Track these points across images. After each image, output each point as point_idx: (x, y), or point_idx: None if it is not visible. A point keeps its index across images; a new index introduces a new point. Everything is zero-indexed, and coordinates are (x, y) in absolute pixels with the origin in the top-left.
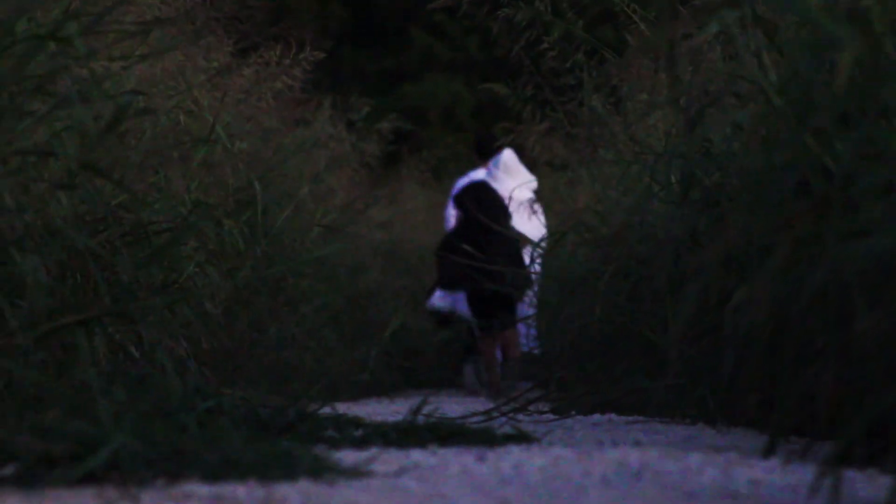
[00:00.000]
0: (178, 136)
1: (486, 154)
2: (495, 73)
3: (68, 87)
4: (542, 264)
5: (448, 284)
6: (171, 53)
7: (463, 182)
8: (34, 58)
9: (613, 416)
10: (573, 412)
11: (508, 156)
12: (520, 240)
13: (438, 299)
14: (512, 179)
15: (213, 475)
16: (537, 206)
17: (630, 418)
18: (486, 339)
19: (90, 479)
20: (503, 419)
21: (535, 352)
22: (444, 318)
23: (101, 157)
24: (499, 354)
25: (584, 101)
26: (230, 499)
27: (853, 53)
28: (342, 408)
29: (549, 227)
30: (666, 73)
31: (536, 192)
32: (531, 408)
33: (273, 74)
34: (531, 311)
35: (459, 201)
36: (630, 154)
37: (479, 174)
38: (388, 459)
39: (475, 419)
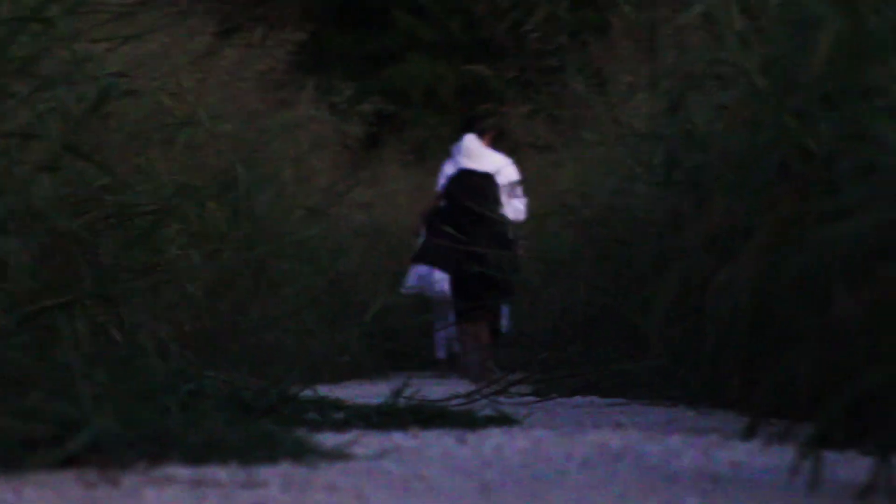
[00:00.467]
0: (161, 119)
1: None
2: (479, 54)
3: (51, 68)
4: (524, 246)
5: (429, 260)
6: (154, 35)
7: (448, 168)
8: (17, 39)
9: (595, 398)
10: (555, 394)
11: (469, 141)
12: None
13: (413, 280)
14: (475, 164)
15: (194, 457)
16: (518, 189)
17: (611, 400)
18: (466, 323)
19: (71, 461)
20: (484, 402)
21: (504, 331)
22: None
23: (84, 140)
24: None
25: (567, 83)
26: (211, 481)
27: (833, 33)
28: (323, 390)
29: (530, 208)
30: (647, 55)
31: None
32: (512, 390)
33: (256, 56)
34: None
35: (447, 192)
36: (613, 136)
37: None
38: (368, 442)
39: (456, 402)
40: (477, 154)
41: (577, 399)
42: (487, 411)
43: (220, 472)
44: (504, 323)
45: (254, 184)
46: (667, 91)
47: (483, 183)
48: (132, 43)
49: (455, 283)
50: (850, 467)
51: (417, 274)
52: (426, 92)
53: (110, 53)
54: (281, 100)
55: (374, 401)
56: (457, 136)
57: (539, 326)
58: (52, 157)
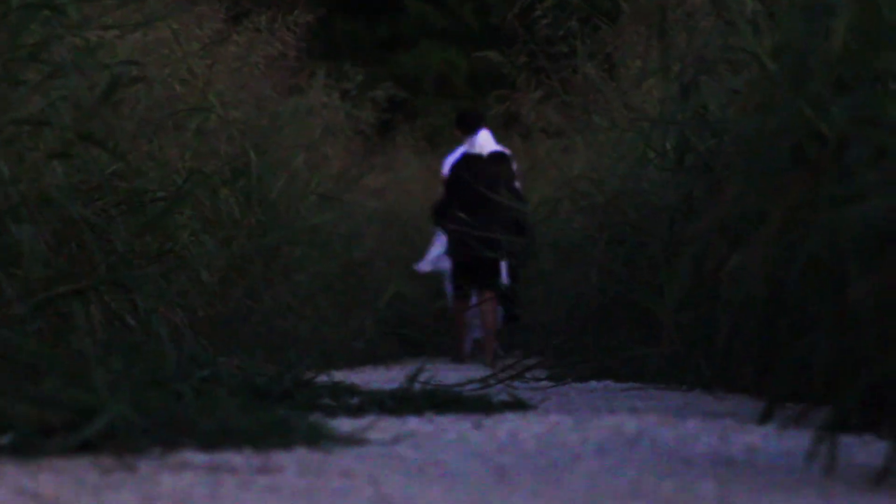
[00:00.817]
0: (172, 105)
1: (466, 129)
2: (490, 40)
3: (63, 56)
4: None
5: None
6: (164, 22)
7: (453, 157)
8: (28, 26)
9: (610, 383)
10: (570, 379)
11: (483, 137)
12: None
13: (425, 264)
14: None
15: (209, 443)
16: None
17: (626, 385)
18: (459, 304)
19: (86, 447)
20: (500, 387)
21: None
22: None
23: (95, 127)
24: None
25: (578, 69)
26: (226, 467)
27: (847, 18)
28: (338, 376)
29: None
30: (657, 39)
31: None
32: (528, 375)
33: (265, 41)
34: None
35: (454, 174)
36: (625, 121)
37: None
38: (384, 427)
39: (471, 387)
40: (490, 149)
41: (592, 384)
42: (503, 396)
43: (236, 458)
44: (499, 319)
45: (266, 170)
46: (678, 76)
47: (491, 166)
48: (143, 30)
49: (454, 266)
50: (867, 451)
51: (434, 256)
52: (438, 78)
53: (121, 40)
54: (292, 86)
55: (389, 386)
56: (451, 130)
57: (552, 312)
58: (64, 145)
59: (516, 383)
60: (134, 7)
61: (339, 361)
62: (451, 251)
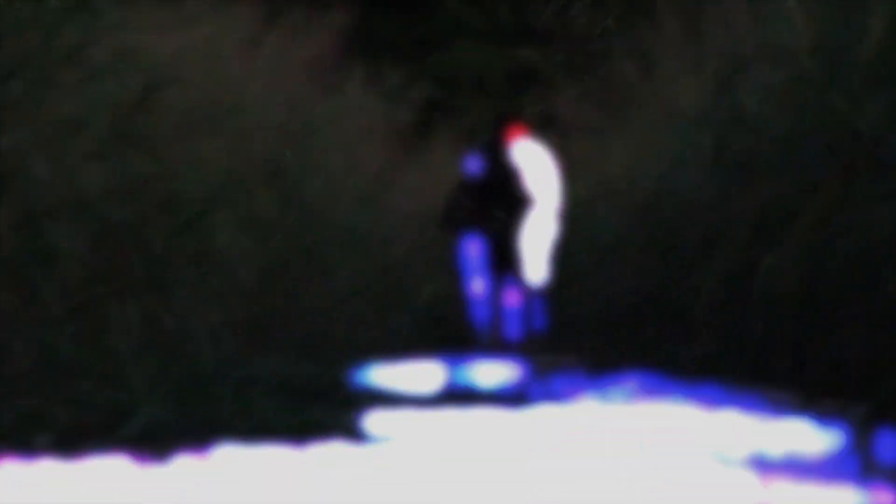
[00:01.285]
0: (208, 106)
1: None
2: (527, 39)
3: (99, 57)
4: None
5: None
6: (201, 23)
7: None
8: (65, 28)
9: (646, 379)
10: (605, 377)
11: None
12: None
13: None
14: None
15: (245, 443)
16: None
17: (662, 381)
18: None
19: (124, 447)
20: (535, 384)
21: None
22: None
23: (132, 128)
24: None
25: (614, 67)
26: (262, 466)
27: (886, 16)
28: (375, 375)
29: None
30: (693, 37)
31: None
32: (563, 373)
33: (301, 41)
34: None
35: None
36: (661, 119)
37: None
38: (419, 425)
39: (507, 384)
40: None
41: (628, 381)
42: (537, 394)
43: (272, 457)
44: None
45: (303, 171)
46: (714, 73)
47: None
48: (179, 31)
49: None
50: None
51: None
52: (475, 77)
53: (157, 42)
54: (329, 86)
55: (425, 384)
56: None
57: (588, 311)
58: (101, 147)
59: (551, 381)
60: (171, 8)
61: (376, 361)
62: (480, 228)
